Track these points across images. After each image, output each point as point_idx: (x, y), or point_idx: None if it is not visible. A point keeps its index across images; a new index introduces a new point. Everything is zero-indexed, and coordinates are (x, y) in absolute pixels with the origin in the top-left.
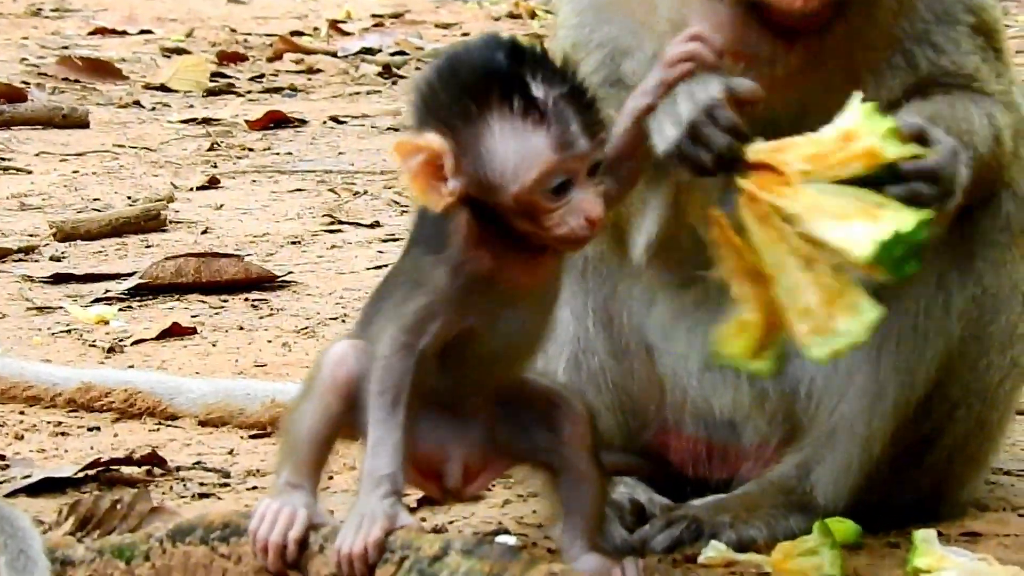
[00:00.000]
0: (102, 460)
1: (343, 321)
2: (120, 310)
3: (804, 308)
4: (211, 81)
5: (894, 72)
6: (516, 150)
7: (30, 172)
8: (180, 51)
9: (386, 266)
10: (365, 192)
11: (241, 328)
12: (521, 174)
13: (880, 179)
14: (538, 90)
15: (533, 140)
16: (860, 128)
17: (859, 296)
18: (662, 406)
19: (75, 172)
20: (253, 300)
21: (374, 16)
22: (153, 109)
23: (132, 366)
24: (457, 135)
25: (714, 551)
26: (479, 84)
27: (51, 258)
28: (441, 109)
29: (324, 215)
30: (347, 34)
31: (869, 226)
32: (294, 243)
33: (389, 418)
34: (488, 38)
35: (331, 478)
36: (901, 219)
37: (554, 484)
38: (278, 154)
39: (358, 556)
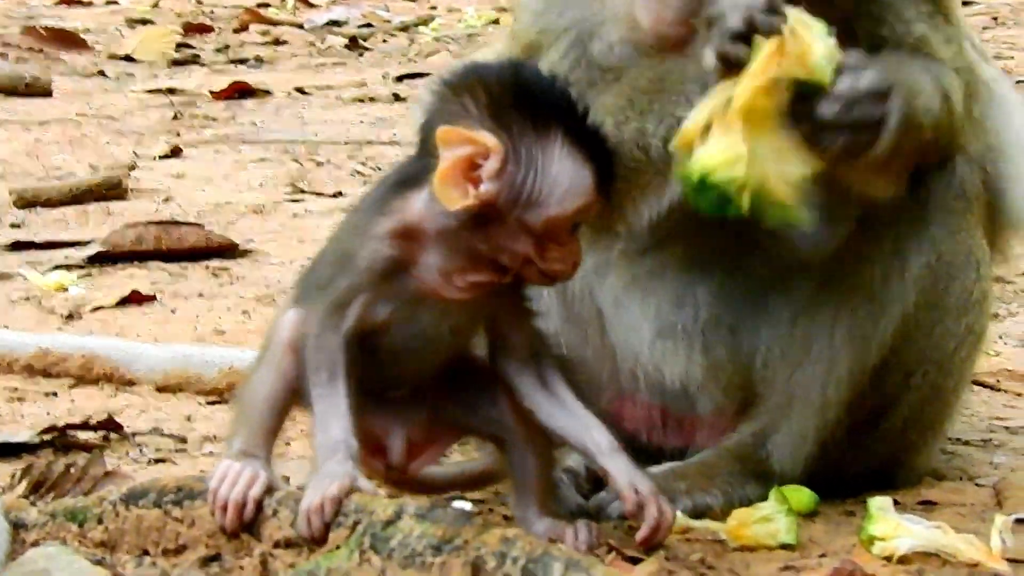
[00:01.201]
0: (59, 425)
1: None
2: (80, 277)
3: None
4: (176, 52)
5: (849, 45)
6: (571, 176)
7: None
8: (145, 22)
9: None
10: (328, 162)
11: (201, 296)
12: (567, 200)
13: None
14: (591, 127)
15: (584, 172)
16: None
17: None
18: (615, 374)
19: (37, 140)
20: (214, 268)
21: None
22: (117, 79)
23: (91, 332)
24: (515, 142)
25: None
26: (550, 103)
27: (11, 225)
28: (502, 112)
29: (287, 184)
30: (313, 6)
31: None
32: (256, 212)
33: (330, 392)
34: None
35: (288, 444)
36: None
37: (503, 454)
38: (242, 124)
39: (315, 510)
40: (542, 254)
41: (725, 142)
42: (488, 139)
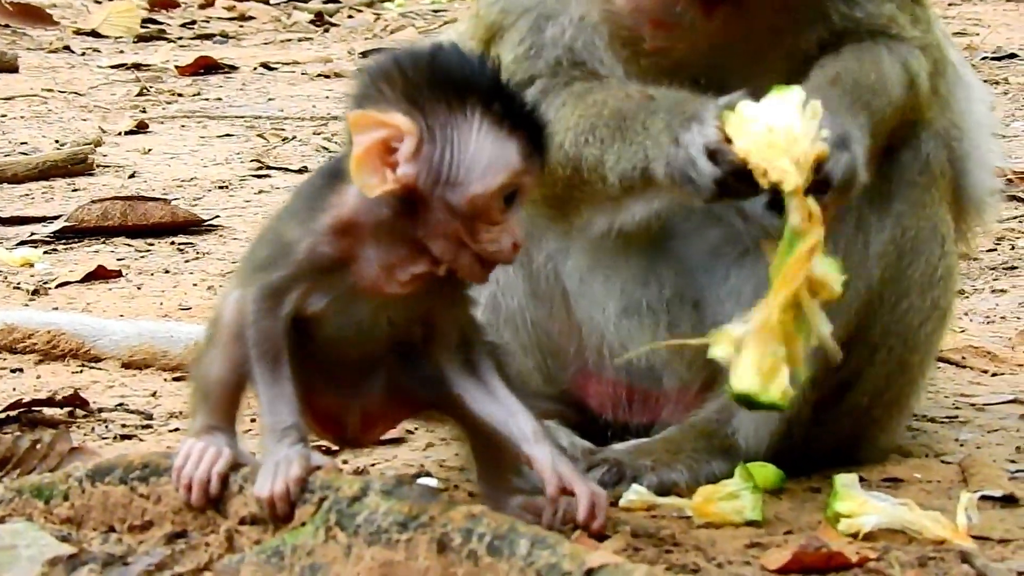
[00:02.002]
0: (24, 401)
1: None
2: (45, 253)
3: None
4: (142, 27)
5: (812, 27)
6: (490, 151)
7: None
8: None
9: None
10: (294, 138)
11: (167, 271)
12: (489, 175)
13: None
14: (514, 101)
15: (506, 145)
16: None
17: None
18: (581, 351)
19: (3, 116)
20: (179, 244)
21: None
22: (83, 54)
23: (56, 308)
24: (429, 122)
25: (635, 495)
26: (466, 81)
27: None
28: (416, 93)
29: (252, 160)
30: None
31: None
32: (221, 187)
33: (275, 375)
34: (465, 50)
35: (253, 420)
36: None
37: (464, 430)
38: (207, 100)
39: (280, 496)
40: (474, 236)
41: (760, 355)
42: (400, 121)
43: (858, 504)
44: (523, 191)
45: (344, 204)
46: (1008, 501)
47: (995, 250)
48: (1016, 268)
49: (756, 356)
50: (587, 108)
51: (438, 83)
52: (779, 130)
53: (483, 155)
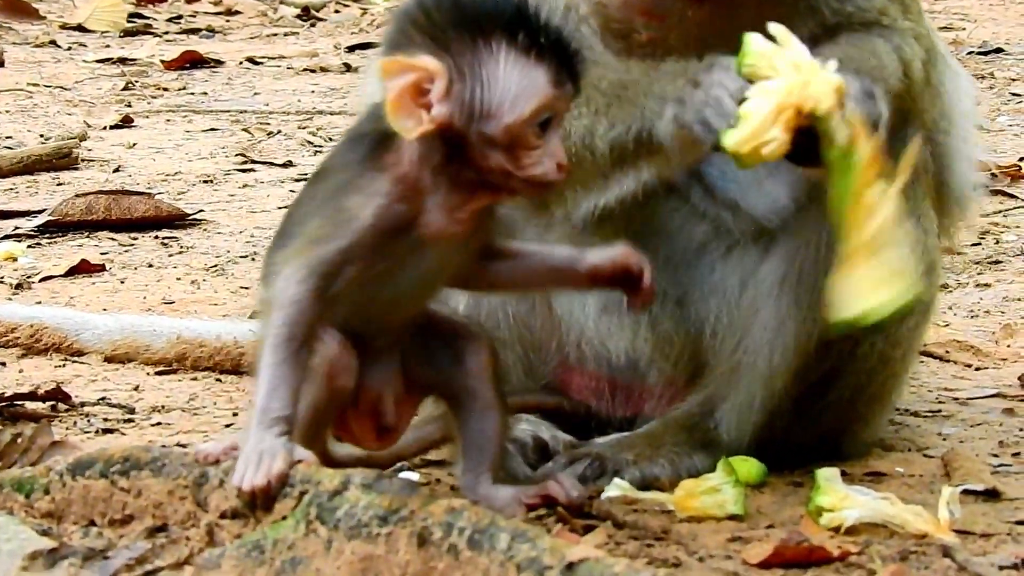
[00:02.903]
0: (6, 395)
1: (253, 259)
2: (29, 247)
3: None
4: (128, 22)
5: (802, 20)
6: (518, 81)
7: None
8: None
9: None
10: (279, 132)
11: (150, 266)
12: (520, 104)
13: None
14: (539, 29)
15: (534, 73)
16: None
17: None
18: (561, 345)
19: None
20: (163, 238)
21: None
22: (69, 49)
23: (40, 302)
24: (456, 61)
25: (617, 489)
26: (487, 15)
27: None
28: (441, 34)
29: (237, 154)
30: None
31: (873, 290)
32: (206, 182)
33: (291, 361)
34: None
35: (236, 415)
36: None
37: (458, 416)
38: (193, 94)
39: (260, 490)
40: (517, 164)
41: (869, 270)
42: (428, 62)
43: (840, 498)
44: (558, 115)
45: (401, 160)
46: (990, 495)
47: (979, 244)
48: (1000, 262)
49: (864, 274)
50: (584, 83)
51: (462, 21)
52: (802, 64)
53: (511, 85)
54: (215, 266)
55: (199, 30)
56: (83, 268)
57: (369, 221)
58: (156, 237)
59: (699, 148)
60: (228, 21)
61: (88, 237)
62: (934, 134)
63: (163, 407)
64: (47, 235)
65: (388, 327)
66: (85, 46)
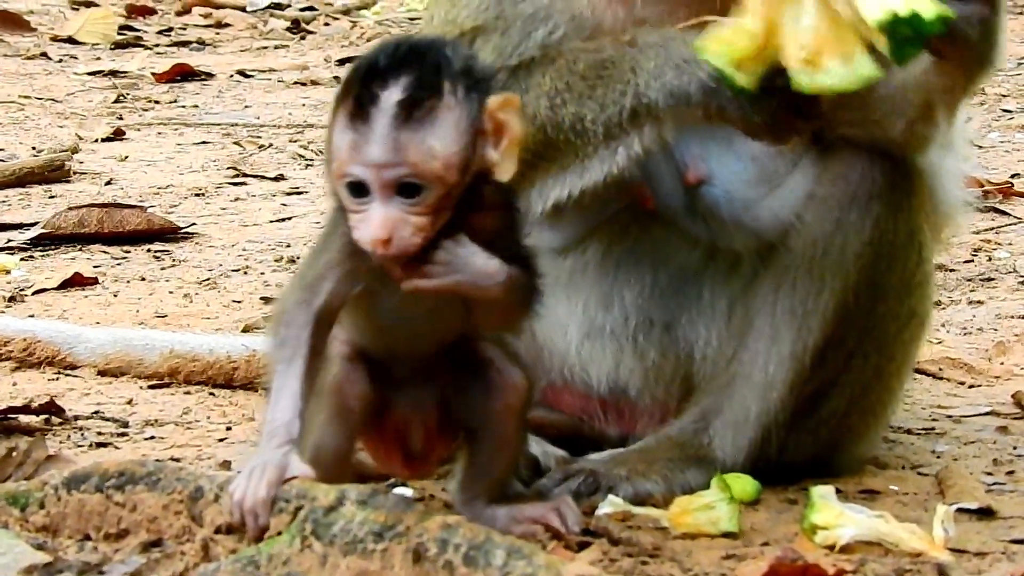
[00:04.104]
0: (0, 409)
1: (245, 273)
2: (22, 260)
3: (805, 35)
4: (119, 34)
5: None
6: (334, 139)
7: None
8: (89, 4)
9: (290, 219)
10: (270, 145)
11: (143, 279)
12: (330, 161)
13: None
14: (373, 95)
15: (343, 135)
16: None
17: (859, 48)
18: (547, 370)
19: None
20: (155, 251)
21: None
22: (60, 61)
23: (32, 315)
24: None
25: (611, 506)
26: (349, 76)
27: None
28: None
29: (229, 167)
30: None
31: None
32: (198, 195)
33: (288, 368)
34: (391, 43)
35: (229, 428)
36: (927, 5)
37: (470, 443)
38: (184, 107)
39: (248, 511)
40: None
41: None
42: None
43: (835, 516)
44: (368, 183)
45: None
46: (984, 513)
47: (972, 261)
48: (993, 279)
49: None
50: (558, 70)
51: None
52: None
53: (331, 141)
54: (207, 279)
55: (189, 43)
56: (76, 281)
57: (339, 244)
58: (148, 250)
59: (695, 114)
60: (218, 34)
61: (81, 250)
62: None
63: (156, 421)
64: (40, 248)
65: (412, 356)
66: (76, 58)
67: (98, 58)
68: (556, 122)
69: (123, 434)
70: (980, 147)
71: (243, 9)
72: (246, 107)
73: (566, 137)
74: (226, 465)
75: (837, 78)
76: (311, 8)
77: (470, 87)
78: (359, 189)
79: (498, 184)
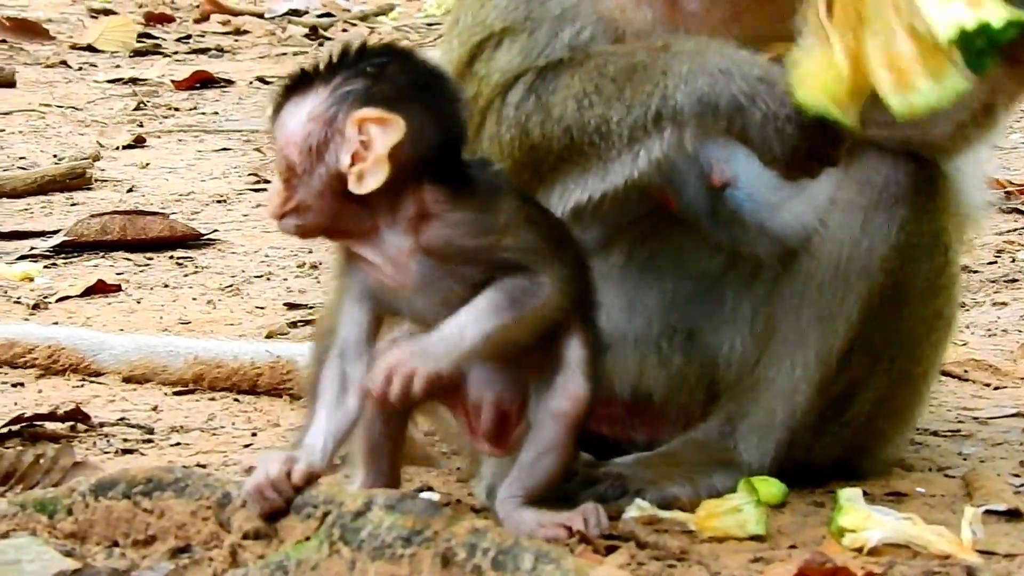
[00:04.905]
0: (25, 416)
1: (268, 279)
2: (45, 267)
3: (892, 59)
4: (138, 42)
5: None
6: None
7: None
8: (107, 12)
9: None
10: None
11: (166, 286)
12: None
13: None
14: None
15: None
16: None
17: (947, 63)
18: None
19: (1, 130)
20: (178, 258)
21: None
22: (80, 69)
23: (56, 323)
24: None
25: (638, 509)
26: None
27: None
28: None
29: (249, 174)
30: None
31: (965, 9)
32: (219, 202)
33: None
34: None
35: (254, 435)
36: (996, 13)
37: (527, 439)
38: (204, 114)
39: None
40: None
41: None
42: None
43: (862, 518)
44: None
45: None
46: (1013, 515)
47: (996, 263)
48: (1017, 281)
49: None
50: (588, 71)
51: None
52: None
53: None
54: (230, 286)
55: (208, 50)
56: (99, 288)
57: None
58: (171, 257)
59: (720, 126)
60: (237, 41)
61: (103, 257)
62: None
63: (182, 427)
64: (63, 255)
65: None
66: (96, 66)
67: (117, 66)
68: (582, 124)
69: (149, 441)
70: (1002, 148)
71: (261, 16)
72: (266, 114)
73: (591, 139)
74: (252, 471)
75: (930, 96)
76: (329, 15)
77: (349, 90)
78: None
79: (444, 190)
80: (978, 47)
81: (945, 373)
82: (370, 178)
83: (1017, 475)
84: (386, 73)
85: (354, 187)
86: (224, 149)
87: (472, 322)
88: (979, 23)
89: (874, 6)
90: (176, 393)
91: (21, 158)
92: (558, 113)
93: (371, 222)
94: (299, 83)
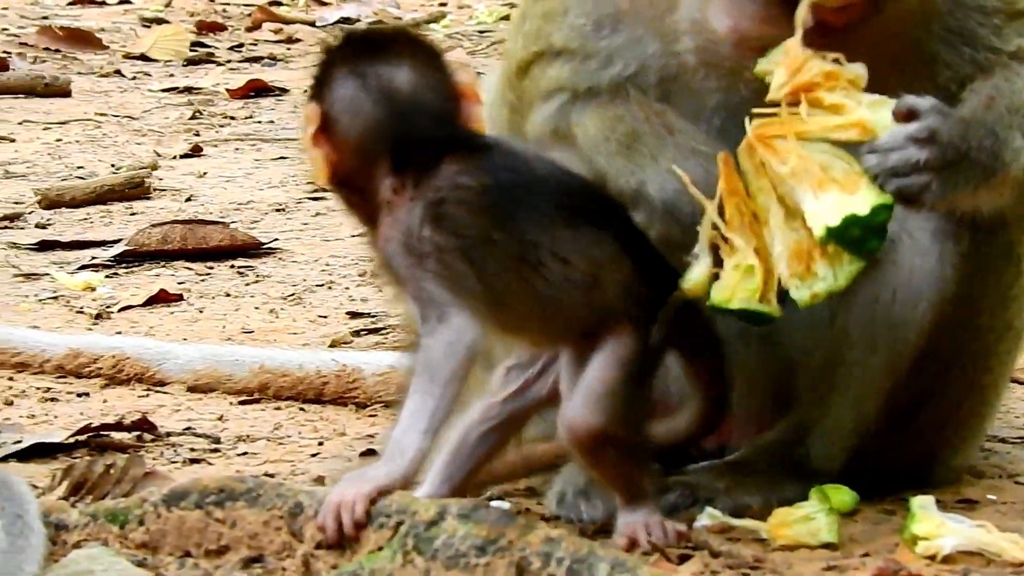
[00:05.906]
0: (92, 426)
1: (329, 288)
2: (107, 277)
3: (790, 251)
4: (191, 50)
5: (929, 68)
6: None
7: (13, 140)
8: (159, 21)
9: None
10: None
11: (228, 295)
12: None
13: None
14: None
15: None
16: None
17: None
18: None
19: (58, 140)
20: (239, 267)
21: None
22: (134, 78)
23: (120, 332)
24: None
25: (710, 518)
26: None
27: (37, 225)
28: None
29: (308, 183)
30: (325, 3)
31: (842, 200)
32: (278, 210)
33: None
34: None
35: (321, 444)
36: (864, 201)
37: None
38: (260, 122)
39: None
40: None
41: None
42: None
43: (935, 526)
44: None
45: None
46: None
47: None
48: None
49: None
50: (604, 121)
51: None
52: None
53: None
54: (292, 295)
55: (261, 58)
56: (161, 298)
57: None
58: (232, 266)
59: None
60: (289, 49)
61: (164, 267)
62: None
63: (248, 436)
64: (124, 265)
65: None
66: (150, 75)
67: (171, 75)
68: (590, 165)
69: (215, 450)
70: None
71: (313, 24)
72: None
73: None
74: (320, 480)
75: (830, 281)
76: (380, 22)
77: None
78: None
79: (403, 178)
80: (855, 237)
81: (1015, 380)
82: (314, 167)
83: None
84: (324, 61)
85: (314, 177)
86: (281, 158)
87: (409, 428)
88: (844, 218)
89: (763, 205)
90: (241, 402)
91: (79, 167)
92: (581, 142)
93: (372, 212)
94: None
